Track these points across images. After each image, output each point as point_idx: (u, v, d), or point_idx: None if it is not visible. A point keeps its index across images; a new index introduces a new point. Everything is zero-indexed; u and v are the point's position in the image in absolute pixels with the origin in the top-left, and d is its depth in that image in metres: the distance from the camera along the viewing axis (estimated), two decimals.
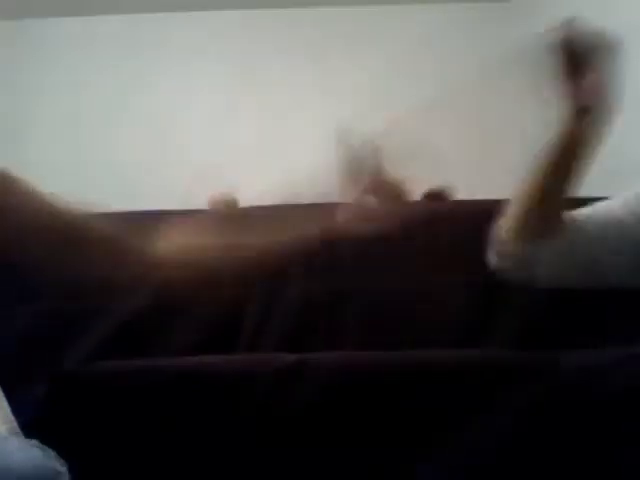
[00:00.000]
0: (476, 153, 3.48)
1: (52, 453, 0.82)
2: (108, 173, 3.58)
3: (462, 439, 1.09)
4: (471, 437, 1.09)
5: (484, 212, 1.26)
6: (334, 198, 1.04)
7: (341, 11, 3.78)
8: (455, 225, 1.58)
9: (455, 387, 1.12)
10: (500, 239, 1.16)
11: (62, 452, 0.84)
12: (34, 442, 0.82)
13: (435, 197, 2.71)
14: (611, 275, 1.09)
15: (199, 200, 2.37)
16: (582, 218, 1.12)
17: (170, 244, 0.97)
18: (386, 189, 1.19)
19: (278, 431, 1.12)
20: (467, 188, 2.54)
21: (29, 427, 0.90)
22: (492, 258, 1.17)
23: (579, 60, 1.03)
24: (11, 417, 0.91)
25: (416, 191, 2.27)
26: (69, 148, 3.74)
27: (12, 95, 3.73)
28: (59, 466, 0.81)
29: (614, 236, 1.08)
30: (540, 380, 1.11)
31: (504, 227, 1.15)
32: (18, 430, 0.90)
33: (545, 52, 1.03)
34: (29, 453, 0.77)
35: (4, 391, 0.94)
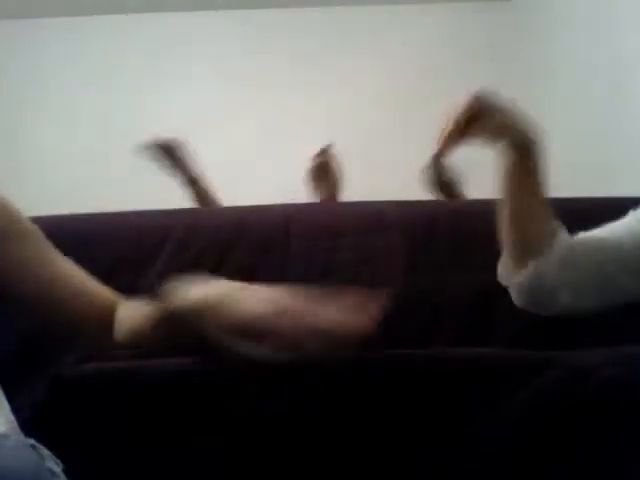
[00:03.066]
0: (475, 151, 3.49)
1: (47, 453, 0.82)
2: (106, 173, 3.58)
3: (462, 439, 1.09)
4: (471, 437, 1.09)
5: (484, 211, 1.27)
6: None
7: (339, 11, 3.78)
8: (455, 225, 1.58)
9: (455, 387, 1.12)
10: (504, 277, 1.18)
11: (61, 452, 0.83)
12: (30, 441, 0.81)
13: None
14: (627, 291, 1.11)
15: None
16: (581, 236, 1.15)
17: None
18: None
19: (277, 431, 1.12)
20: (466, 188, 2.54)
21: (28, 427, 0.90)
22: (514, 299, 1.20)
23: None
24: (11, 417, 0.91)
25: None
26: (67, 149, 3.74)
27: (10, 95, 3.73)
28: (55, 466, 0.81)
29: (615, 254, 1.10)
30: (540, 380, 1.11)
31: (502, 265, 1.18)
32: (18, 430, 0.89)
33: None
34: (24, 453, 0.76)
35: (4, 391, 0.93)
